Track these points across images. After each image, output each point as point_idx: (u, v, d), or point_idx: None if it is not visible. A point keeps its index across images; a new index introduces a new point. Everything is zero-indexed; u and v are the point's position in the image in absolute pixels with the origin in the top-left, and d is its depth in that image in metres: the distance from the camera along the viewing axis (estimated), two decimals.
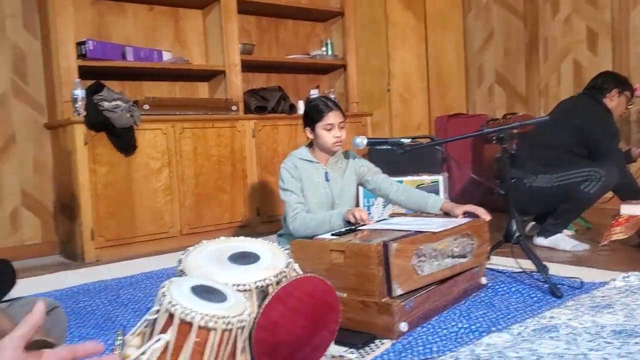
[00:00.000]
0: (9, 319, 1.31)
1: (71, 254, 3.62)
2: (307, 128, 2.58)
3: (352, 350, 1.67)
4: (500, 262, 2.57)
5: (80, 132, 3.43)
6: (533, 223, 3.53)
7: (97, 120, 3.44)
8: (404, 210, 2.75)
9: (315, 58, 4.87)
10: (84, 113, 3.44)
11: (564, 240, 3.03)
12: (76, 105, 3.46)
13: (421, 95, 5.13)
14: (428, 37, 5.16)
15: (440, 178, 3.92)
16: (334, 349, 1.64)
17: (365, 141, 2.49)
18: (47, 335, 1.26)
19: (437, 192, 3.88)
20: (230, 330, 1.16)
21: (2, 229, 3.66)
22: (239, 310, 1.21)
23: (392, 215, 2.50)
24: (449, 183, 4.39)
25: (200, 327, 1.14)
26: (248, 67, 4.46)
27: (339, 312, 1.60)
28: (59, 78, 3.52)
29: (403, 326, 1.74)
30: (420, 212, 2.46)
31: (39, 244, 3.80)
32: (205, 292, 1.23)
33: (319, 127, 2.51)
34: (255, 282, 1.44)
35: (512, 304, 2.03)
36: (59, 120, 3.59)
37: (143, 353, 1.14)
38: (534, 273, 2.27)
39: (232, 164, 4.08)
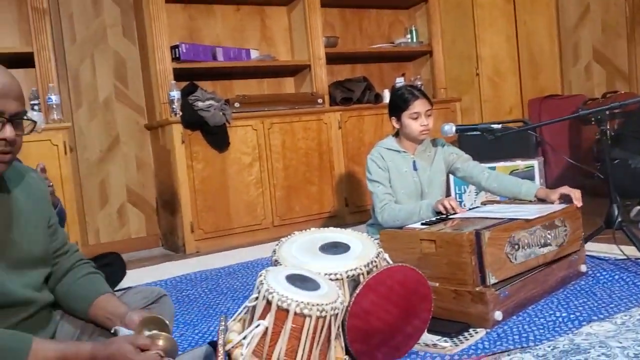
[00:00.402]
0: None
1: (173, 246, 3.85)
2: (393, 117, 2.58)
3: (445, 338, 1.67)
4: (602, 249, 2.45)
5: (177, 131, 3.62)
6: (638, 208, 3.32)
7: (192, 120, 3.62)
8: (497, 198, 2.68)
9: (399, 46, 4.83)
10: (180, 113, 3.63)
11: None
12: (173, 106, 3.66)
13: (512, 78, 4.94)
14: (517, 17, 4.94)
15: (535, 163, 3.77)
16: (427, 337, 1.65)
17: (453, 128, 2.46)
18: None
19: (532, 178, 3.74)
20: (325, 317, 1.21)
21: (111, 224, 3.95)
22: (332, 298, 1.25)
23: (485, 203, 2.45)
24: (545, 168, 4.20)
25: (296, 314, 1.19)
26: (333, 59, 4.50)
27: (431, 301, 1.60)
28: (156, 81, 3.73)
29: (498, 315, 1.72)
30: (514, 199, 2.39)
31: (144, 237, 4.07)
32: (300, 281, 1.28)
33: (405, 116, 2.50)
34: (347, 272, 1.47)
35: (615, 292, 1.94)
36: (158, 120, 3.81)
37: (244, 337, 1.22)
38: (639, 260, 2.14)
39: (319, 155, 4.15)
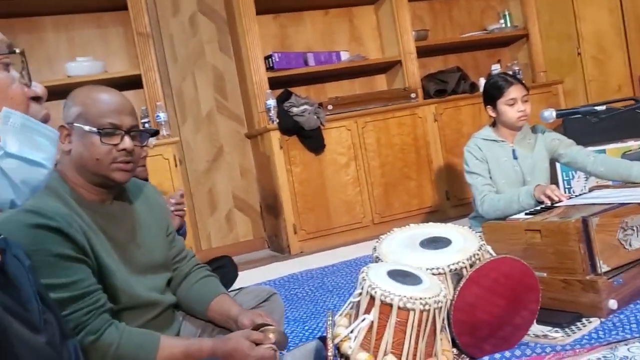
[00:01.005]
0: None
1: (278, 247, 4.00)
2: (488, 106, 2.53)
3: (556, 329, 1.62)
4: None
5: (275, 137, 3.77)
6: None
7: (288, 125, 3.75)
8: (609, 183, 2.54)
9: (493, 32, 4.69)
10: (277, 120, 3.77)
11: None
12: (270, 114, 3.81)
13: (618, 54, 4.62)
14: None
15: None
16: (537, 329, 1.61)
17: (554, 114, 2.36)
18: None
19: None
20: (428, 310, 1.23)
21: (220, 229, 4.18)
22: (435, 292, 1.27)
23: (593, 189, 2.33)
24: None
25: (399, 308, 1.22)
26: (424, 52, 4.47)
27: (539, 291, 1.56)
28: (253, 91, 3.90)
29: (612, 303, 1.64)
30: (625, 183, 2.26)
31: (251, 240, 4.26)
32: (401, 276, 1.31)
33: (501, 103, 2.45)
34: (449, 266, 1.48)
35: None
36: (257, 129, 3.98)
37: (351, 331, 1.26)
38: None
39: (416, 150, 4.13)
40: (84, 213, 1.30)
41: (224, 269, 2.48)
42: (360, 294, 1.29)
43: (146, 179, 2.40)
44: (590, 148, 3.52)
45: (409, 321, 1.22)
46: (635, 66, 4.62)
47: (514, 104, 2.42)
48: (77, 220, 1.26)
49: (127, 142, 1.33)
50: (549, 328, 1.63)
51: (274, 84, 3.97)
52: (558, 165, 3.65)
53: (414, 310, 1.22)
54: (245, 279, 3.06)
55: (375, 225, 3.95)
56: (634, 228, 1.73)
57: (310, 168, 3.85)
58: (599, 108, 2.21)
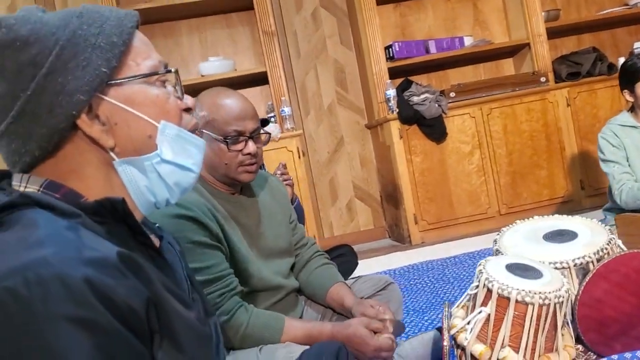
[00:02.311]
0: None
1: (399, 237, 4.01)
2: (625, 90, 2.34)
3: None
4: None
5: (395, 127, 3.77)
6: None
7: (408, 115, 3.73)
8: None
9: (636, 6, 4.28)
10: (397, 110, 3.77)
11: None
12: (390, 104, 3.81)
13: None
14: None
15: None
16: None
17: None
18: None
19: None
20: (548, 305, 1.19)
21: (341, 218, 4.28)
22: (556, 286, 1.22)
23: None
24: None
25: (517, 301, 1.19)
26: (555, 33, 4.22)
27: None
28: (373, 82, 3.93)
29: None
30: None
31: (371, 229, 4.31)
32: (520, 269, 1.28)
33: (639, 86, 2.25)
34: (574, 260, 1.41)
35: None
36: (377, 119, 4.00)
37: (468, 323, 1.26)
38: None
39: (547, 137, 3.92)
40: (217, 203, 1.42)
41: (344, 257, 2.55)
42: (477, 286, 1.28)
43: (262, 167, 2.52)
44: None
45: (527, 315, 1.19)
46: None
47: None
48: (212, 210, 1.38)
49: (251, 147, 1.42)
50: None
51: (394, 73, 3.97)
52: None
53: (532, 304, 1.18)
54: (365, 267, 3.12)
55: (501, 217, 3.82)
56: None
57: (431, 157, 3.81)
58: None
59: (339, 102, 4.28)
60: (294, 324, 1.39)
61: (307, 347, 1.25)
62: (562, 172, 3.92)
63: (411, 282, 2.70)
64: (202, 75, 3.72)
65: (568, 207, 3.84)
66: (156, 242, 0.78)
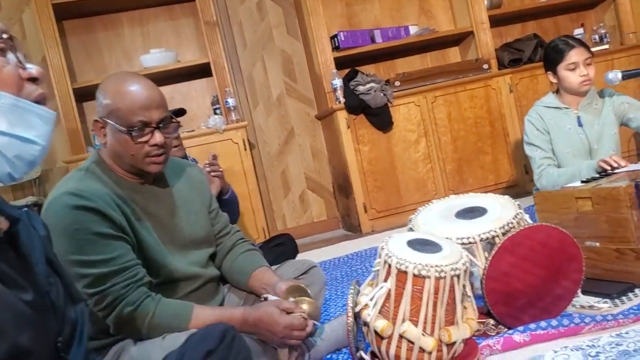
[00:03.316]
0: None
1: (351, 226, 4.04)
2: (549, 72, 2.40)
3: (605, 300, 1.54)
4: None
5: (342, 117, 3.78)
6: None
7: (354, 104, 3.75)
8: None
9: None
10: (343, 100, 3.78)
11: None
12: (336, 94, 3.83)
13: None
14: None
15: None
16: (583, 299, 1.54)
17: (619, 75, 2.20)
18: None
19: None
20: (444, 278, 1.21)
21: (294, 210, 4.28)
22: (453, 259, 1.25)
23: None
24: None
25: (415, 275, 1.22)
26: (499, 21, 4.29)
27: (582, 260, 1.49)
28: (320, 72, 3.93)
29: None
30: None
31: (325, 220, 4.33)
32: (420, 244, 1.30)
33: (562, 68, 2.32)
34: (479, 235, 1.45)
35: None
36: (325, 110, 4.01)
37: (371, 299, 1.28)
38: None
39: (491, 123, 3.99)
40: (123, 194, 1.40)
41: (283, 246, 2.56)
42: (379, 262, 1.30)
43: (185, 157, 2.48)
44: None
45: (424, 288, 1.21)
46: None
47: (575, 69, 2.28)
48: (116, 200, 1.36)
49: (157, 138, 1.38)
50: (597, 299, 1.55)
51: (341, 63, 3.98)
52: None
53: (429, 277, 1.21)
54: (314, 256, 3.14)
55: None
56: None
57: (378, 146, 3.84)
58: None
59: (288, 93, 4.27)
60: (204, 311, 1.38)
61: None
62: (507, 157, 3.99)
63: (352, 269, 2.72)
64: (145, 68, 3.67)
65: (513, 191, 3.91)
66: (4, 224, 0.76)
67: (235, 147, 3.61)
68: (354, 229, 3.97)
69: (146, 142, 1.38)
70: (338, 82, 3.83)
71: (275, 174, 4.25)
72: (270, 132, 4.24)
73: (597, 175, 1.93)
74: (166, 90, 3.91)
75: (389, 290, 1.25)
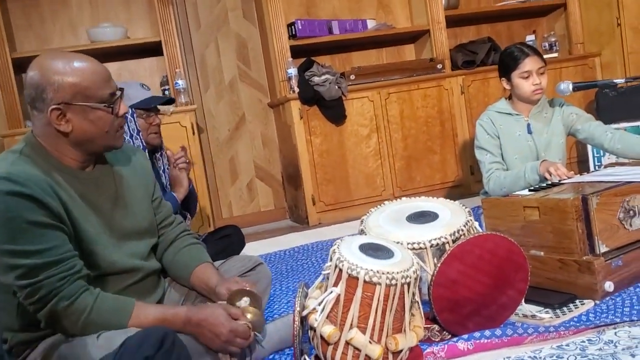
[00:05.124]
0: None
1: (298, 218, 4.00)
2: (503, 78, 2.43)
3: (547, 309, 1.57)
4: None
5: (295, 107, 3.73)
6: None
7: (309, 95, 3.70)
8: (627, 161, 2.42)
9: (529, 1, 4.47)
10: (297, 89, 3.73)
11: None
12: (291, 83, 3.77)
13: None
14: None
15: None
16: (526, 308, 1.56)
17: (570, 86, 2.25)
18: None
19: None
20: (395, 285, 1.20)
21: (241, 198, 4.21)
22: (404, 266, 1.24)
23: (607, 166, 2.23)
24: None
25: (365, 282, 1.19)
26: (455, 22, 4.32)
27: (527, 270, 1.51)
28: (275, 59, 3.86)
29: (608, 286, 1.57)
30: None
31: (272, 210, 4.28)
32: (372, 250, 1.28)
33: (516, 75, 2.35)
34: (430, 241, 1.44)
35: None
36: (279, 98, 3.95)
37: (319, 303, 1.25)
38: None
39: (441, 123, 4.03)
40: (62, 179, 1.31)
41: (229, 238, 2.49)
42: (330, 266, 1.27)
43: (160, 147, 2.43)
44: (623, 124, 3.38)
45: (375, 295, 1.19)
46: None
47: (528, 77, 2.31)
48: (54, 187, 1.27)
49: (123, 107, 1.36)
50: (539, 308, 1.58)
51: (297, 52, 3.91)
52: None
53: (380, 284, 1.19)
54: (260, 247, 3.09)
55: (396, 199, 3.88)
56: (636, 208, 1.64)
57: (330, 139, 3.81)
58: (618, 81, 2.09)
59: (241, 78, 4.18)
60: (145, 308, 1.31)
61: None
62: (454, 158, 4.05)
63: (298, 263, 2.69)
64: (92, 42, 3.49)
65: (458, 191, 3.98)
66: None
67: (183, 131, 3.50)
68: (301, 221, 3.94)
69: (116, 114, 1.35)
70: (293, 71, 3.77)
71: (224, 161, 4.16)
72: (221, 117, 4.14)
73: (544, 185, 1.97)
74: (114, 67, 3.74)
75: (339, 295, 1.22)
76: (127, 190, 1.48)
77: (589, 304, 1.56)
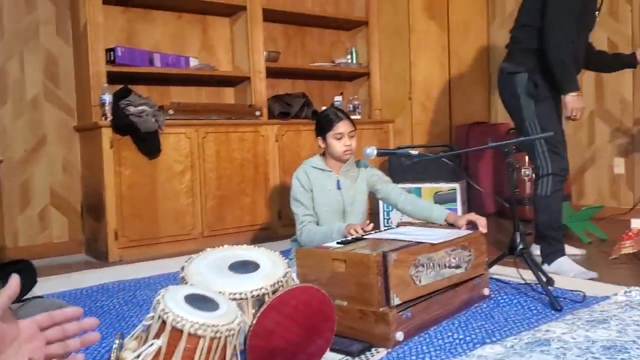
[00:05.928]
0: (12, 316, 1.40)
1: (96, 253, 3.76)
2: (319, 137, 2.65)
3: (347, 358, 1.72)
4: (508, 272, 2.58)
5: (106, 135, 3.56)
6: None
7: (122, 124, 3.57)
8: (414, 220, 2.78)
9: (339, 66, 4.92)
10: (111, 117, 3.57)
11: (567, 265, 2.69)
12: (104, 109, 3.59)
13: (442, 103, 5.13)
14: (450, 46, 5.15)
15: (457, 186, 3.93)
16: (329, 356, 1.69)
17: (375, 151, 2.54)
18: None
19: (454, 200, 3.89)
20: (219, 337, 1.23)
21: (31, 227, 3.82)
22: (229, 319, 1.28)
23: (400, 225, 2.54)
24: (468, 191, 4.38)
25: (190, 334, 1.21)
26: (274, 73, 4.55)
27: (334, 321, 1.65)
28: (89, 83, 3.66)
29: (399, 335, 1.78)
30: (427, 223, 2.49)
31: (66, 242, 3.95)
32: (198, 301, 1.30)
33: (330, 136, 2.58)
34: (252, 292, 1.50)
35: (511, 316, 2.05)
36: (88, 123, 3.73)
37: (138, 356, 1.22)
38: (537, 285, 2.27)
39: (255, 167, 4.17)
40: None
41: (21, 274, 2.25)
42: (153, 317, 1.26)
43: None
44: (409, 185, 3.87)
45: (198, 348, 1.21)
46: (454, 117, 5.16)
47: (341, 138, 2.56)
48: None
49: None
50: (341, 356, 1.72)
51: (114, 78, 3.75)
52: None
53: (204, 337, 1.21)
54: (51, 286, 2.82)
55: (204, 238, 3.89)
56: (424, 265, 1.91)
57: (141, 172, 3.69)
58: (412, 152, 2.43)
59: (47, 96, 3.86)
60: None
61: None
62: (264, 201, 4.21)
63: (97, 304, 2.53)
64: None
65: (265, 233, 4.13)
66: None
67: None
68: (99, 256, 3.71)
69: None
70: (108, 98, 3.60)
71: (15, 184, 3.76)
72: (17, 135, 3.76)
73: (350, 239, 2.17)
74: None
75: (160, 347, 1.21)
76: None
77: (382, 352, 1.75)
